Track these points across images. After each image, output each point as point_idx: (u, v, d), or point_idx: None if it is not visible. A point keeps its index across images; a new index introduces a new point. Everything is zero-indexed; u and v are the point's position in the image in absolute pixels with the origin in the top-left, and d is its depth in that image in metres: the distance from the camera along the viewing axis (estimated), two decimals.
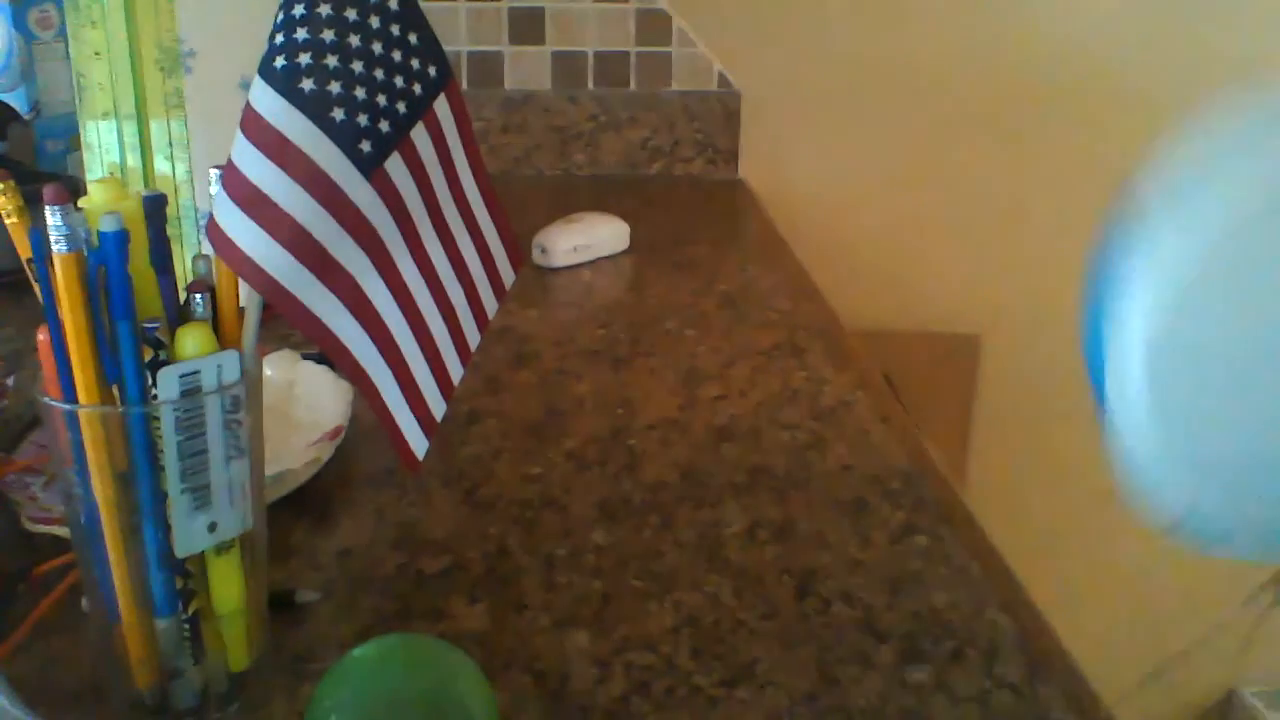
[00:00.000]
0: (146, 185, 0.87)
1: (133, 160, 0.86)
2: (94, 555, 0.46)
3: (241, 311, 0.47)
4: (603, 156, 1.50)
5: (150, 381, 0.44)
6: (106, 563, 0.46)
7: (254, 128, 0.44)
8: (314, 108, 0.45)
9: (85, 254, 0.42)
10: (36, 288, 0.43)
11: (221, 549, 0.47)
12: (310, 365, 0.75)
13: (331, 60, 0.45)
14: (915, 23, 1.47)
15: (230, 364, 0.45)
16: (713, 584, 0.60)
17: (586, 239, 1.13)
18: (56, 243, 0.42)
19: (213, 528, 0.46)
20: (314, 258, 0.46)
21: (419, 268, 0.53)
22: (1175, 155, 0.38)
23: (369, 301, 0.49)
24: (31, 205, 0.42)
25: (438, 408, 0.54)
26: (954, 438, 1.59)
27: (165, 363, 0.44)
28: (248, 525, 0.48)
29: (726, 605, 0.58)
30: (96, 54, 0.84)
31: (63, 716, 0.49)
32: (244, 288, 0.46)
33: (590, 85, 1.49)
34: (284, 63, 0.45)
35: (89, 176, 0.88)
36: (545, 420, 0.79)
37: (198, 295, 0.45)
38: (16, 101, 1.20)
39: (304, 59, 0.45)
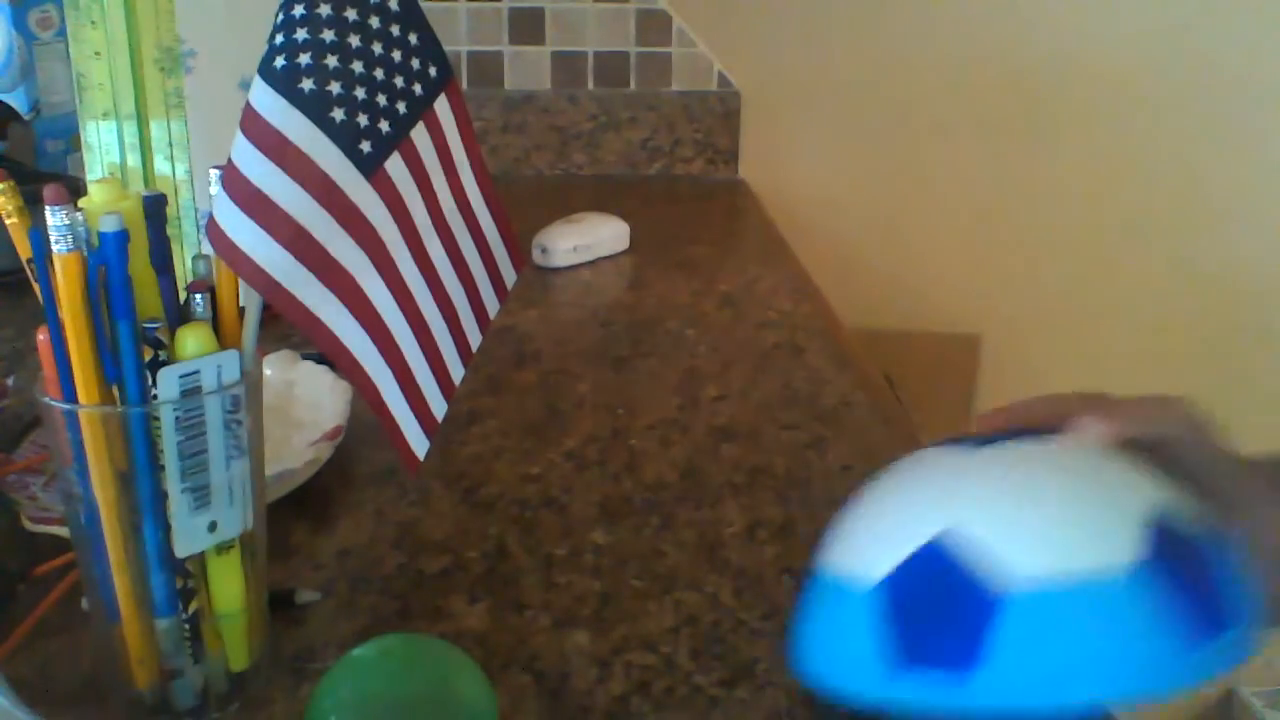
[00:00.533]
0: (146, 185, 0.87)
1: (133, 160, 0.86)
2: (94, 555, 0.46)
3: (241, 311, 0.47)
4: (603, 156, 1.50)
5: (150, 381, 0.44)
6: (106, 563, 0.46)
7: (254, 128, 0.44)
8: (314, 108, 0.45)
9: (85, 254, 0.42)
10: (36, 288, 0.43)
11: (221, 549, 0.47)
12: (310, 365, 0.75)
13: (331, 60, 0.45)
14: (915, 23, 1.47)
15: (230, 364, 0.45)
16: (713, 584, 0.60)
17: (586, 239, 1.13)
18: (56, 243, 0.42)
19: (213, 528, 0.46)
20: (314, 258, 0.46)
21: (419, 268, 0.53)
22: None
23: (369, 301, 0.49)
24: (31, 205, 0.42)
25: (438, 407, 0.54)
26: None
27: (165, 363, 0.44)
28: (248, 525, 0.48)
29: (726, 605, 0.58)
30: (96, 54, 0.84)
31: (63, 716, 0.49)
32: (244, 288, 0.46)
33: (590, 85, 1.49)
34: (284, 63, 0.45)
35: (89, 176, 0.88)
36: (545, 420, 0.79)
37: (198, 295, 0.45)
38: (16, 101, 1.20)
39: (304, 59, 0.45)
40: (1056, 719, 0.37)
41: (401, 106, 0.49)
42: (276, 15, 0.45)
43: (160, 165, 0.87)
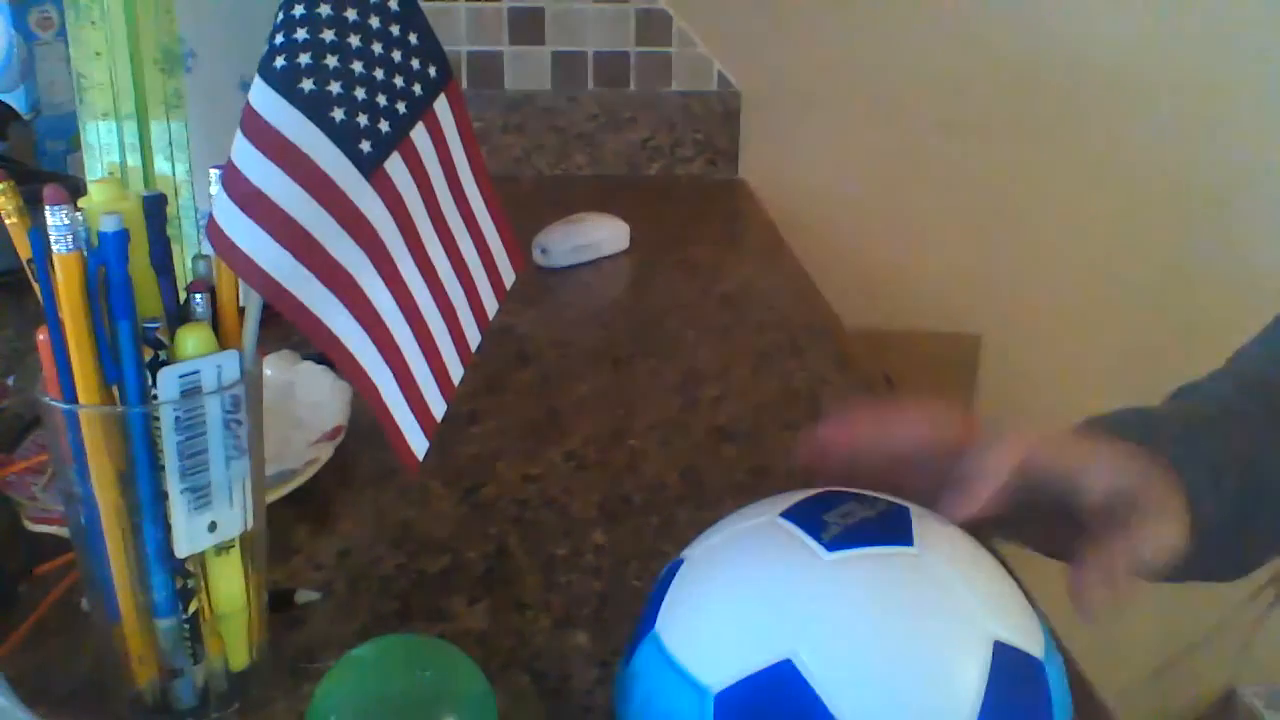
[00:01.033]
0: (146, 185, 0.87)
1: (133, 160, 0.86)
2: (94, 555, 0.46)
3: (241, 311, 0.47)
4: (603, 156, 1.50)
5: (150, 381, 0.44)
6: (106, 563, 0.46)
7: (254, 128, 0.44)
8: (314, 108, 0.45)
9: (85, 254, 0.42)
10: (36, 288, 0.43)
11: (221, 549, 0.47)
12: (310, 365, 0.76)
13: (331, 60, 0.45)
14: (915, 23, 1.47)
15: (230, 364, 0.45)
16: None
17: (587, 239, 1.13)
18: (56, 243, 0.42)
19: (213, 528, 0.46)
20: (314, 258, 0.46)
21: (419, 268, 0.52)
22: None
23: (369, 301, 0.49)
24: (31, 205, 0.42)
25: (438, 407, 0.54)
26: None
27: (165, 363, 0.44)
28: (248, 525, 0.48)
29: None
30: (96, 54, 0.84)
31: (63, 716, 0.49)
32: (244, 288, 0.46)
33: (590, 85, 1.49)
34: (284, 63, 0.45)
35: (89, 176, 0.88)
36: (545, 420, 0.79)
37: (198, 295, 0.45)
38: (16, 101, 1.20)
39: (304, 59, 0.45)
40: None
41: (401, 106, 0.49)
42: (276, 15, 0.45)
43: (160, 165, 0.87)
